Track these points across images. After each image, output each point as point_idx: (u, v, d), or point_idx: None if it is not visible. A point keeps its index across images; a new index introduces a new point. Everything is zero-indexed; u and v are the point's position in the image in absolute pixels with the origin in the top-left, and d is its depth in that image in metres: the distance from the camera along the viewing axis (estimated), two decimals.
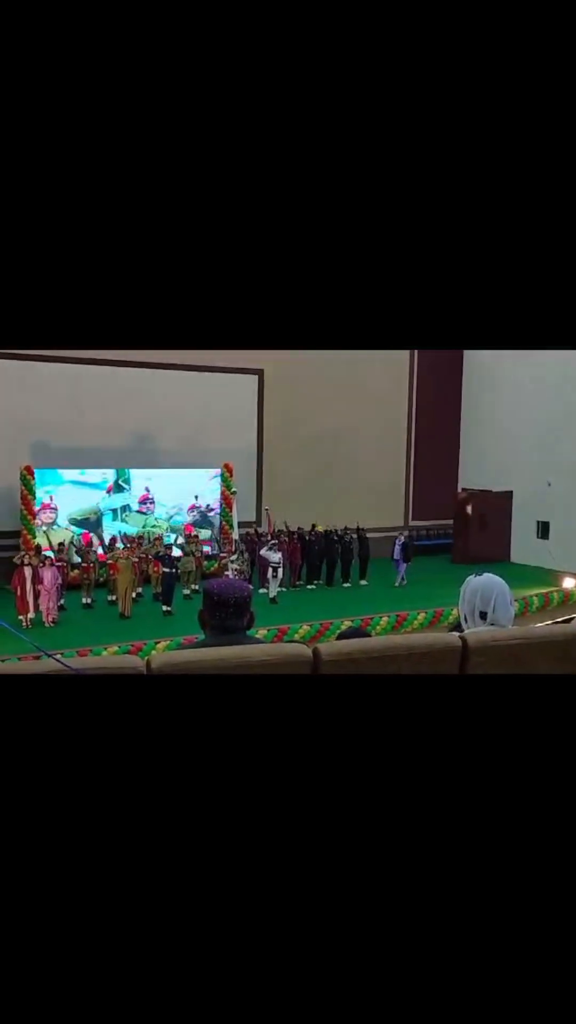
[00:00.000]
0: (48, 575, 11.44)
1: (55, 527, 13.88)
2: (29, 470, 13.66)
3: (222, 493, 15.31)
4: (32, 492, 13.65)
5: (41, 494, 13.80)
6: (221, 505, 15.35)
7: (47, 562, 11.68)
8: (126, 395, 14.76)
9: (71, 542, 13.24)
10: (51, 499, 13.90)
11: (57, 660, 1.90)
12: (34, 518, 13.63)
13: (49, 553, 12.35)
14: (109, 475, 14.52)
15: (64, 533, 13.73)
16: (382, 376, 17.60)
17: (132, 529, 14.33)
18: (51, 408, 14.24)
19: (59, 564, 12.03)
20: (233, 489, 15.19)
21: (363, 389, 17.36)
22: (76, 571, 12.82)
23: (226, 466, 15.29)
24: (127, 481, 14.62)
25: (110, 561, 12.67)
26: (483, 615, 2.55)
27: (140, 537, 13.99)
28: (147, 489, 14.77)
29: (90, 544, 13.29)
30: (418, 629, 12.21)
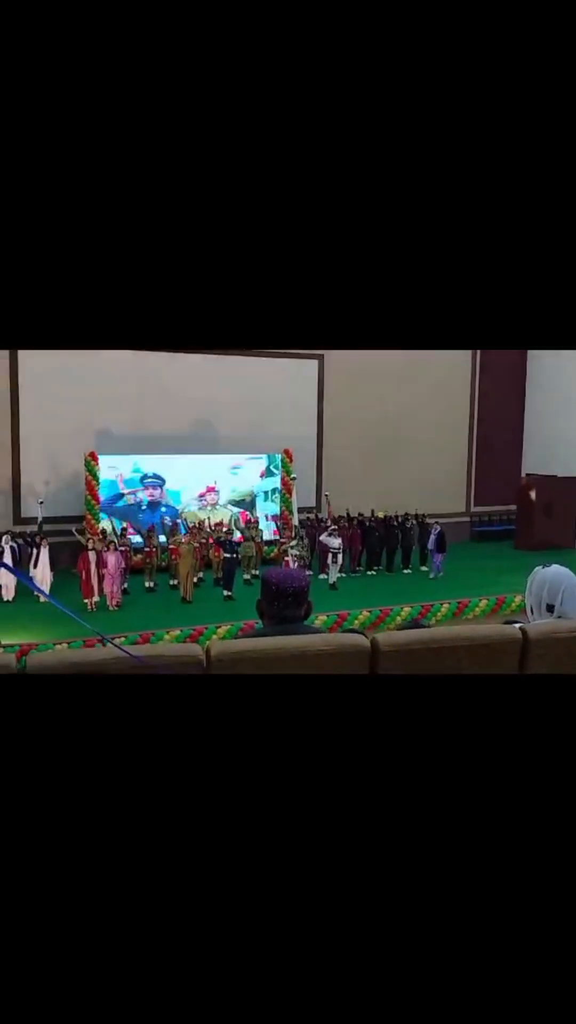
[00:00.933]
0: (112, 559, 11.68)
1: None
2: (94, 456, 13.94)
3: (282, 479, 15.36)
4: (96, 477, 13.93)
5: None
6: (280, 491, 15.41)
7: (111, 546, 11.92)
8: (186, 381, 14.90)
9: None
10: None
11: (118, 647, 1.94)
12: (98, 503, 13.92)
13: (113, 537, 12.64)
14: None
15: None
16: (444, 359, 17.33)
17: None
18: (114, 395, 14.48)
19: (122, 548, 12.27)
20: (293, 475, 15.21)
21: (425, 373, 17.13)
22: (139, 555, 13.07)
23: (286, 452, 15.31)
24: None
25: (172, 546, 12.86)
26: (550, 608, 2.49)
27: (201, 523, 14.18)
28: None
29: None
30: (479, 616, 12.06)
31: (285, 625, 2.26)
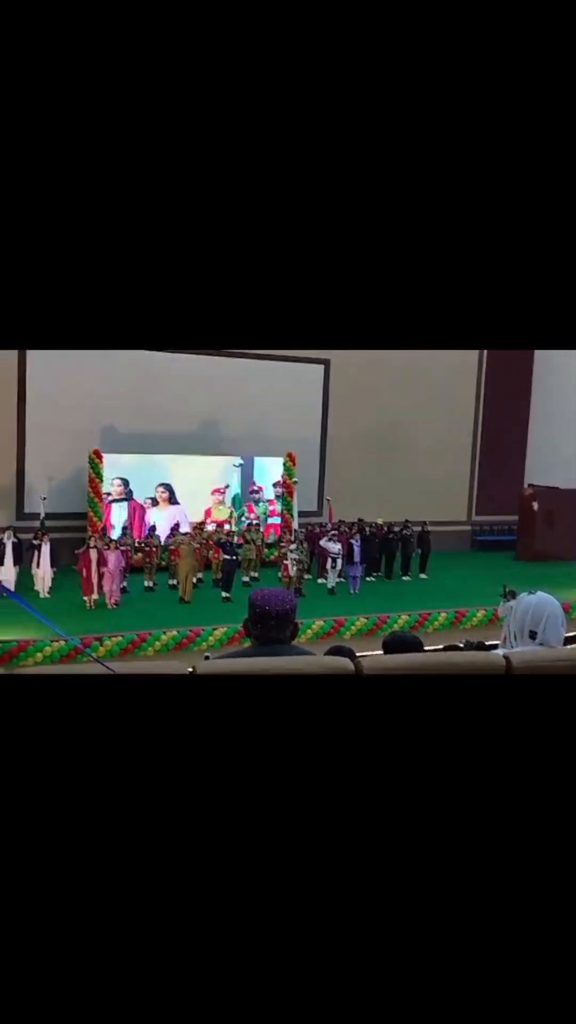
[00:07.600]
0: (112, 558, 11.71)
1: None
2: (98, 454, 13.97)
3: (284, 482, 15.37)
4: (100, 475, 13.95)
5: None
6: (283, 494, 15.42)
7: (112, 545, 11.96)
8: (192, 381, 14.92)
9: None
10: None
11: (99, 661, 1.97)
12: (101, 500, 13.95)
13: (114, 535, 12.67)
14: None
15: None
16: (450, 367, 17.35)
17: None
18: (119, 393, 14.51)
19: (123, 548, 12.31)
20: (295, 478, 15.22)
21: (430, 380, 17.14)
22: (139, 555, 13.11)
23: (289, 455, 15.33)
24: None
25: (172, 546, 12.89)
26: (532, 635, 2.52)
27: (202, 523, 14.20)
28: None
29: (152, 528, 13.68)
30: (476, 627, 12.07)
31: (270, 646, 2.28)
